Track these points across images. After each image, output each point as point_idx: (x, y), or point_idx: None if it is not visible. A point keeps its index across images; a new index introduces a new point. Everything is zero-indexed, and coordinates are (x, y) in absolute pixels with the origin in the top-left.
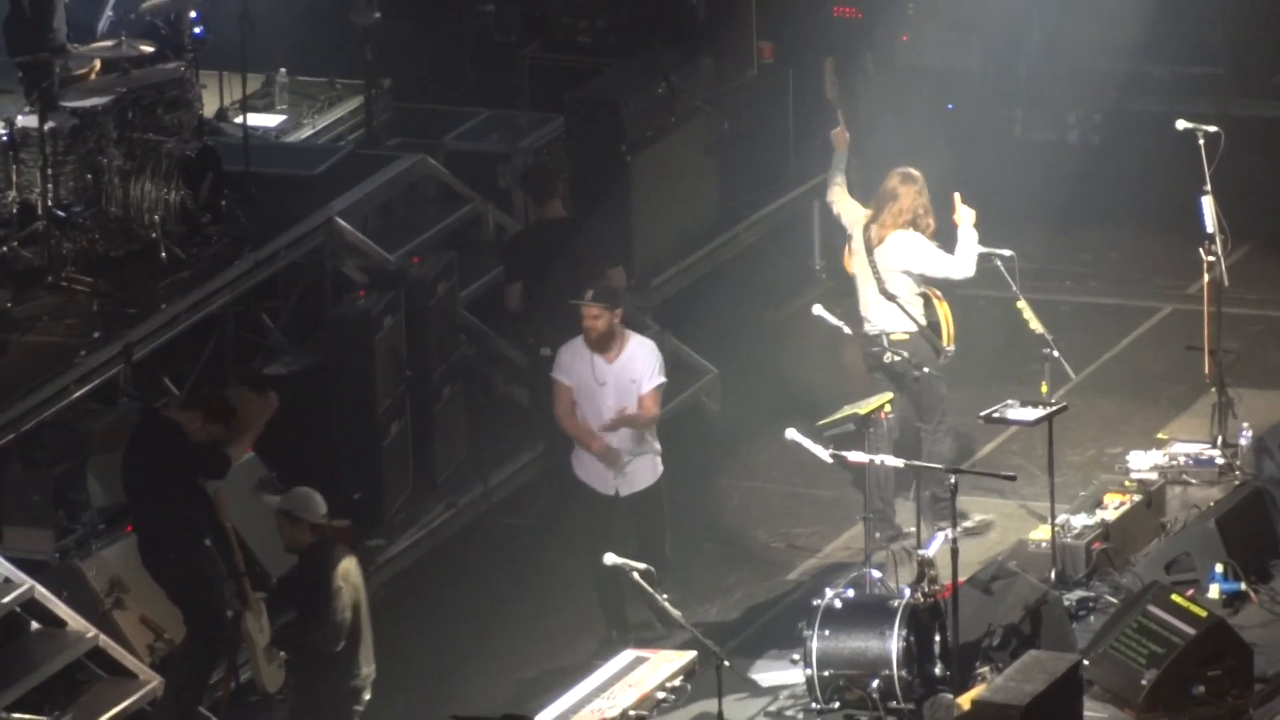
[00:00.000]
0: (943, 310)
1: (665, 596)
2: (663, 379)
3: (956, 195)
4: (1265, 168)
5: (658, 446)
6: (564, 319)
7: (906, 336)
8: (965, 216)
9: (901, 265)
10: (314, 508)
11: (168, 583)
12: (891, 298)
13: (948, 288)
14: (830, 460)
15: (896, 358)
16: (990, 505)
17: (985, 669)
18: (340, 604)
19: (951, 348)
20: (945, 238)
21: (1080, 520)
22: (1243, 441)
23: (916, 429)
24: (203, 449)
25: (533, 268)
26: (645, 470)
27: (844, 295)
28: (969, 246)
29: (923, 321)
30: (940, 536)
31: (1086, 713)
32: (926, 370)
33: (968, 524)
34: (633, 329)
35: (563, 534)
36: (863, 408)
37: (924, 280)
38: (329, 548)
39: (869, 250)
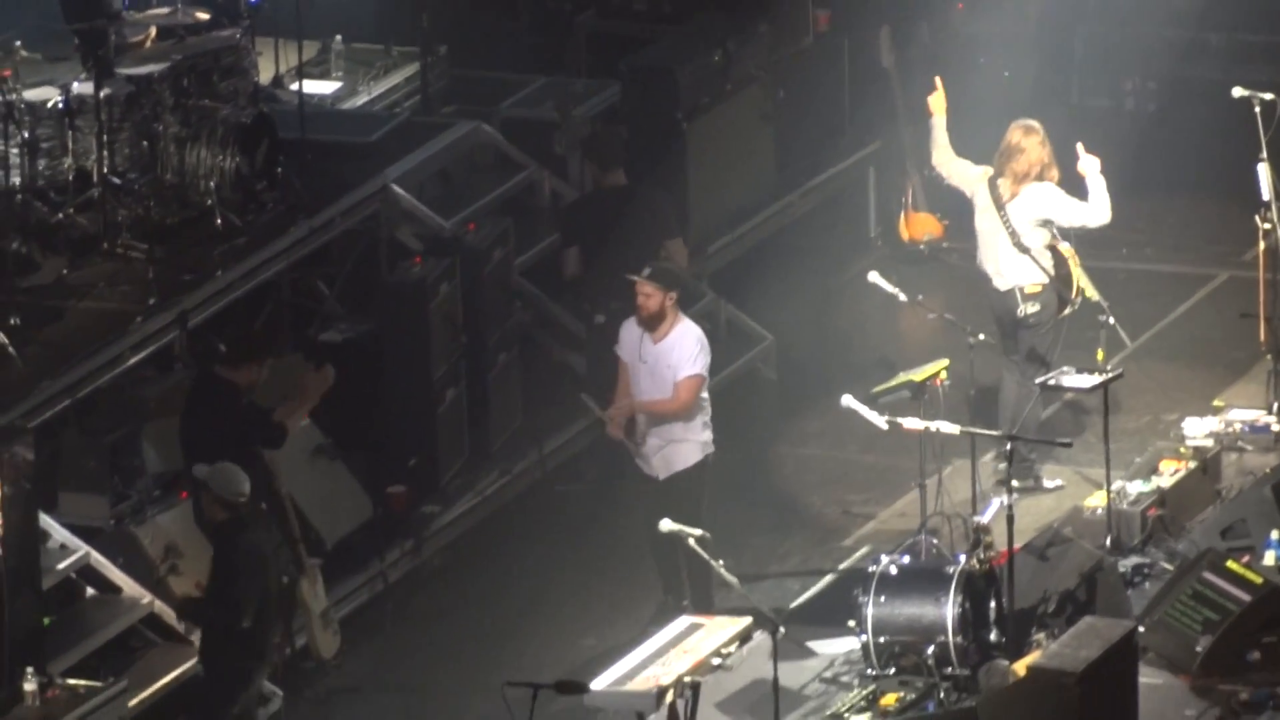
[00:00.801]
0: (1072, 262)
1: (721, 563)
2: (699, 370)
3: (1079, 145)
4: None
5: (706, 437)
6: (620, 287)
7: (1039, 288)
8: (1090, 164)
9: (1040, 216)
10: (229, 484)
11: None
12: (1025, 250)
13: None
14: (886, 427)
15: (1031, 309)
16: (1046, 471)
17: (1040, 635)
18: (244, 582)
19: (1080, 299)
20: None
21: (1136, 487)
22: None
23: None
24: (259, 414)
25: (590, 234)
26: (682, 455)
27: (899, 262)
28: (1101, 192)
29: (1052, 273)
30: (996, 503)
31: (1141, 679)
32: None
33: (1047, 485)
34: (690, 297)
35: (617, 501)
36: (918, 374)
37: (1057, 232)
38: (239, 528)
39: (999, 206)
